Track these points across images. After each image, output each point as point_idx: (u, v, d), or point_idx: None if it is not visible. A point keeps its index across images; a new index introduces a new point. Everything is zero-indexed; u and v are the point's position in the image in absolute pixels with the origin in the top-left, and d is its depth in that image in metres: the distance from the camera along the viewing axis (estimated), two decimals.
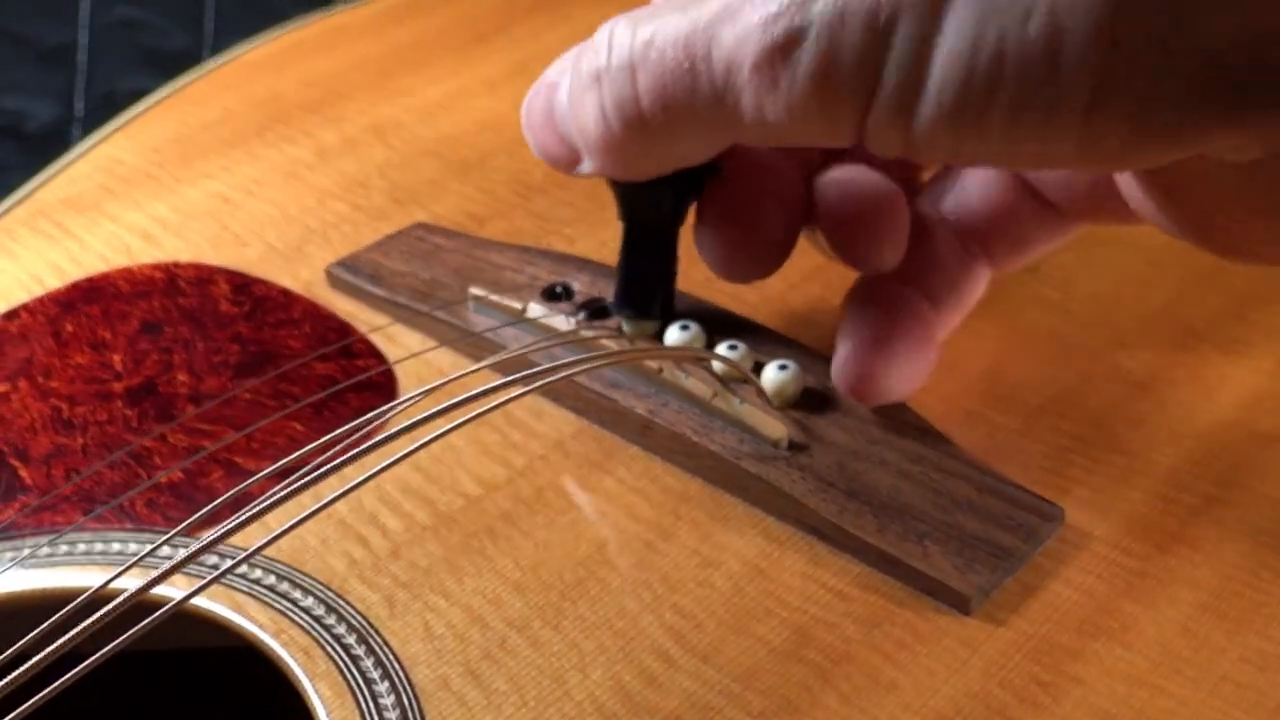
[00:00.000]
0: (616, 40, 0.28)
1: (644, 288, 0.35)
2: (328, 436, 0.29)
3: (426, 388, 0.31)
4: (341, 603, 0.30)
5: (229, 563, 0.28)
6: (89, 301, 0.40)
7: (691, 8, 0.27)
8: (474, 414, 0.29)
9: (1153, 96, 0.23)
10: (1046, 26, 0.23)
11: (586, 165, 0.31)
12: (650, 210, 0.34)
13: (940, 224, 0.35)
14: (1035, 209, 0.34)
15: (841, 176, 0.34)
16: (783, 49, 0.25)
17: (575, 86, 0.29)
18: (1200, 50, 0.22)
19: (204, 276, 0.41)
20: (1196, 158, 0.24)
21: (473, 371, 0.34)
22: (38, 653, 0.23)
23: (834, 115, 0.26)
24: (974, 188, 0.35)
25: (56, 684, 0.23)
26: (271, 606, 0.30)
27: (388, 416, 0.32)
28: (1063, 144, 0.24)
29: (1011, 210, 0.34)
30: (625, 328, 0.35)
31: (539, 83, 0.31)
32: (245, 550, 0.28)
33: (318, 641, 0.29)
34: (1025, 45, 0.23)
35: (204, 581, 0.25)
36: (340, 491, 0.27)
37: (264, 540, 0.27)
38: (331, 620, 0.29)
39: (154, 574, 0.25)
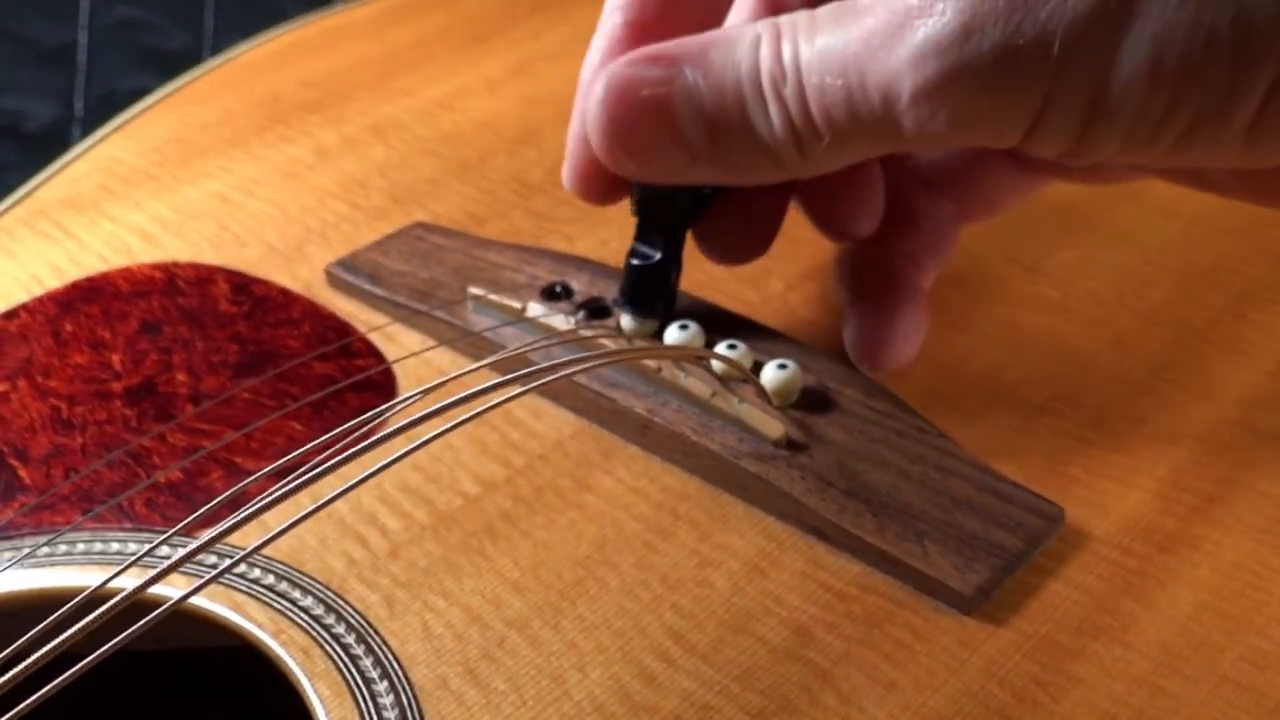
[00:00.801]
0: (785, 57, 0.28)
1: (650, 285, 0.35)
2: (327, 435, 0.29)
3: (425, 387, 0.31)
4: (340, 602, 0.30)
5: (227, 562, 0.28)
6: (88, 301, 0.40)
7: (840, 27, 0.27)
8: (473, 413, 0.29)
9: None
10: (1229, 40, 0.23)
11: (702, 170, 0.30)
12: (668, 209, 0.34)
13: (914, 183, 0.35)
14: (1009, 165, 0.35)
15: None
16: (940, 85, 0.25)
17: (738, 95, 0.29)
18: None
19: (203, 276, 0.41)
20: None
21: (472, 370, 0.34)
22: (36, 651, 0.23)
23: (999, 135, 0.26)
24: (956, 153, 0.35)
25: (56, 682, 0.23)
26: (271, 606, 0.30)
27: (387, 416, 0.32)
28: (1227, 151, 0.25)
29: (985, 167, 0.35)
30: (625, 326, 0.35)
31: (630, 87, 0.30)
32: (243, 550, 0.28)
33: (317, 641, 0.29)
34: (1206, 61, 0.24)
35: (202, 581, 0.25)
36: (339, 491, 0.27)
37: (262, 539, 0.27)
38: (330, 620, 0.29)
39: (151, 573, 0.25)
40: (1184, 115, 0.25)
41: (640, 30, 0.33)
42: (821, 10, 0.28)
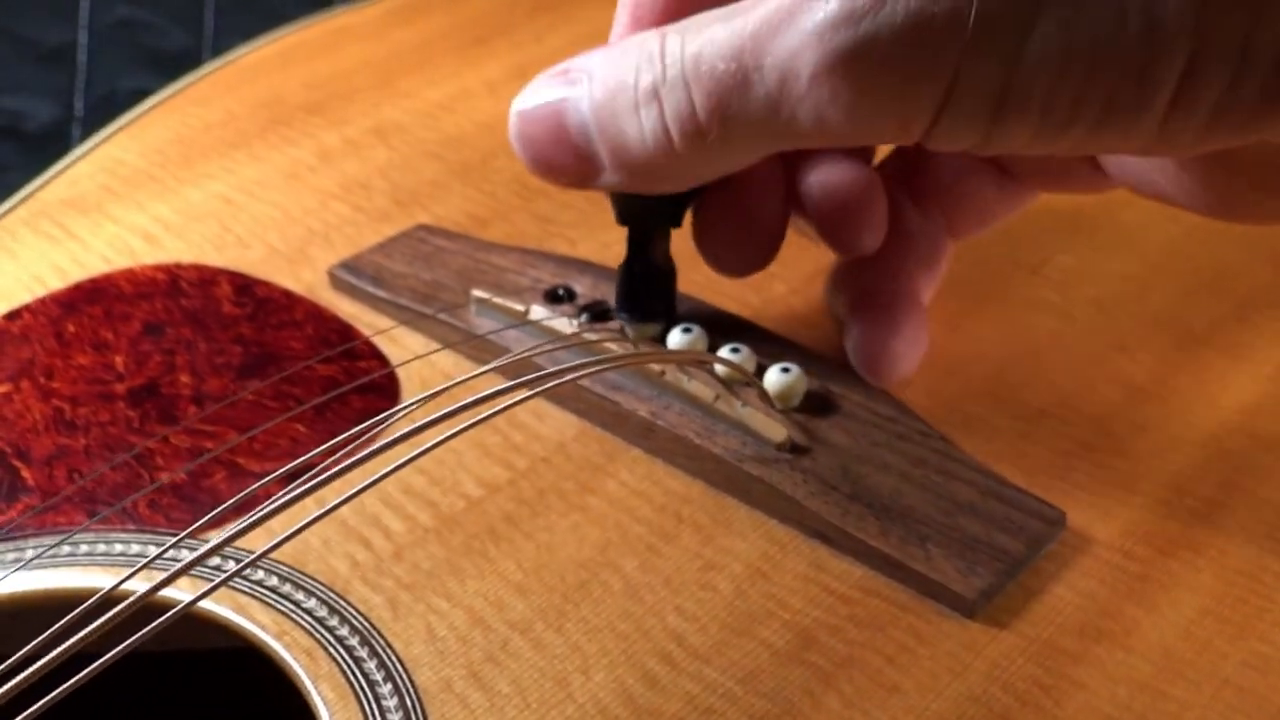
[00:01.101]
0: (669, 54, 0.28)
1: (645, 290, 0.35)
2: (335, 440, 0.29)
3: (431, 392, 0.31)
4: (344, 604, 0.30)
5: (233, 564, 0.28)
6: (91, 302, 0.40)
7: (736, 16, 0.27)
8: (479, 418, 0.29)
9: (1231, 93, 0.24)
10: (1142, 27, 0.23)
11: (609, 178, 0.30)
12: (649, 215, 0.34)
13: (905, 198, 0.35)
14: (996, 181, 0.35)
15: (822, 169, 0.34)
16: (845, 59, 0.25)
17: (614, 102, 0.29)
18: (1274, 49, 0.23)
19: (206, 278, 0.41)
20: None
21: (476, 376, 0.34)
22: (46, 654, 0.23)
23: (903, 123, 0.25)
24: (935, 163, 0.35)
25: (66, 685, 0.23)
26: (274, 608, 0.30)
27: (393, 420, 0.32)
28: (1139, 139, 0.25)
29: (972, 181, 0.35)
30: (628, 331, 0.36)
31: (532, 102, 0.31)
32: (252, 553, 0.28)
33: (320, 643, 0.29)
34: (1120, 47, 0.23)
35: (214, 584, 0.25)
36: (346, 496, 0.27)
37: (272, 543, 0.27)
38: (334, 622, 0.29)
39: (161, 577, 0.25)
40: (1095, 103, 0.24)
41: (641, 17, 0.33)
42: (712, 10, 0.28)
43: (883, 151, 0.38)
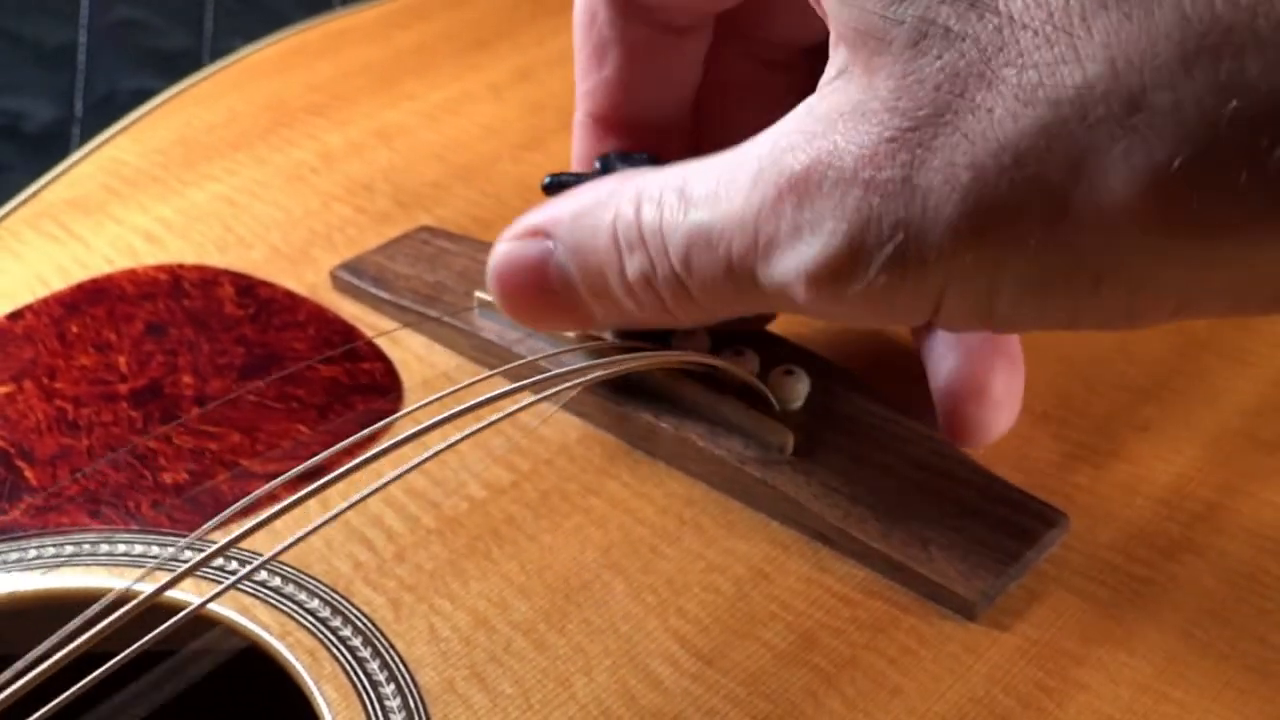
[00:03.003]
0: (646, 228, 0.28)
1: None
2: (344, 444, 0.29)
3: (435, 396, 0.31)
4: (347, 605, 0.30)
5: (236, 564, 0.28)
6: (94, 303, 0.40)
7: (719, 204, 0.27)
8: (485, 423, 0.29)
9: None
10: (902, 245, 0.24)
11: (606, 325, 0.32)
12: None
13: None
14: None
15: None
16: (840, 278, 0.25)
17: (601, 276, 0.29)
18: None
19: (209, 278, 0.41)
20: None
21: (480, 380, 0.34)
22: (52, 655, 0.23)
23: (901, 319, 0.26)
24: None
25: (79, 685, 0.23)
26: (277, 609, 0.30)
27: (397, 420, 0.32)
28: (1112, 316, 0.24)
29: None
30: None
31: (508, 265, 0.31)
32: (260, 555, 0.28)
33: (323, 644, 0.29)
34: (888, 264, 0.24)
35: (223, 585, 0.26)
36: (355, 499, 0.27)
37: (282, 545, 0.27)
38: (337, 623, 0.30)
39: (167, 578, 0.25)
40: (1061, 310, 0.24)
41: (602, 122, 0.34)
42: (690, 181, 0.27)
43: None
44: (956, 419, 0.32)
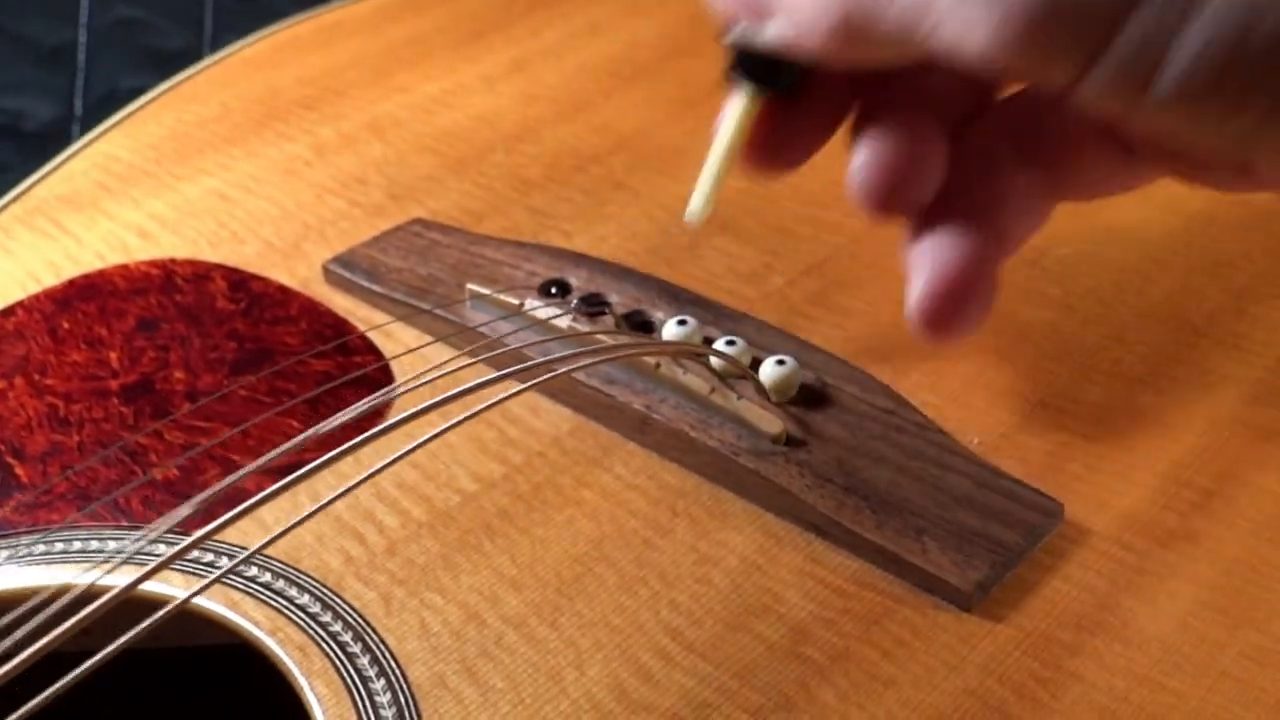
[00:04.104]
0: None
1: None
2: (319, 429, 0.28)
3: (420, 371, 0.30)
4: (338, 600, 0.30)
5: (226, 560, 0.28)
6: (85, 299, 0.40)
7: None
8: (472, 411, 0.29)
9: None
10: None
11: (774, 31, 0.27)
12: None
13: (1009, 157, 0.32)
14: (1115, 155, 0.32)
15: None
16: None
17: None
18: None
19: (201, 273, 0.41)
20: None
21: (468, 365, 0.34)
22: (21, 650, 0.23)
23: (1046, 66, 0.23)
24: (1054, 123, 0.33)
25: (62, 681, 0.23)
26: (268, 604, 0.30)
27: (379, 401, 0.32)
28: None
29: (1089, 151, 0.32)
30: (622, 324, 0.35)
31: None
32: (245, 549, 0.27)
33: (314, 639, 0.29)
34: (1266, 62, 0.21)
35: (207, 580, 0.25)
36: (343, 489, 0.27)
37: (268, 538, 0.27)
38: (328, 618, 0.29)
39: (143, 570, 0.24)
40: (1271, 83, 0.21)
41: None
42: None
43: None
44: (932, 306, 0.30)
